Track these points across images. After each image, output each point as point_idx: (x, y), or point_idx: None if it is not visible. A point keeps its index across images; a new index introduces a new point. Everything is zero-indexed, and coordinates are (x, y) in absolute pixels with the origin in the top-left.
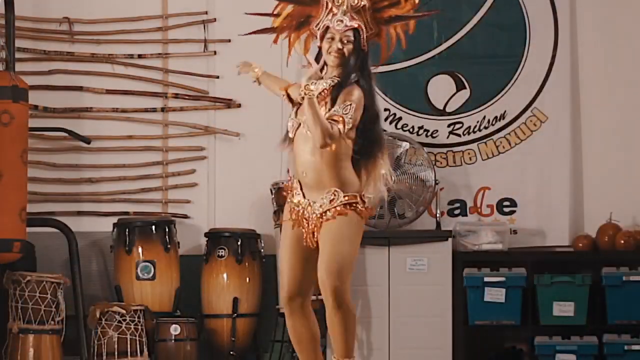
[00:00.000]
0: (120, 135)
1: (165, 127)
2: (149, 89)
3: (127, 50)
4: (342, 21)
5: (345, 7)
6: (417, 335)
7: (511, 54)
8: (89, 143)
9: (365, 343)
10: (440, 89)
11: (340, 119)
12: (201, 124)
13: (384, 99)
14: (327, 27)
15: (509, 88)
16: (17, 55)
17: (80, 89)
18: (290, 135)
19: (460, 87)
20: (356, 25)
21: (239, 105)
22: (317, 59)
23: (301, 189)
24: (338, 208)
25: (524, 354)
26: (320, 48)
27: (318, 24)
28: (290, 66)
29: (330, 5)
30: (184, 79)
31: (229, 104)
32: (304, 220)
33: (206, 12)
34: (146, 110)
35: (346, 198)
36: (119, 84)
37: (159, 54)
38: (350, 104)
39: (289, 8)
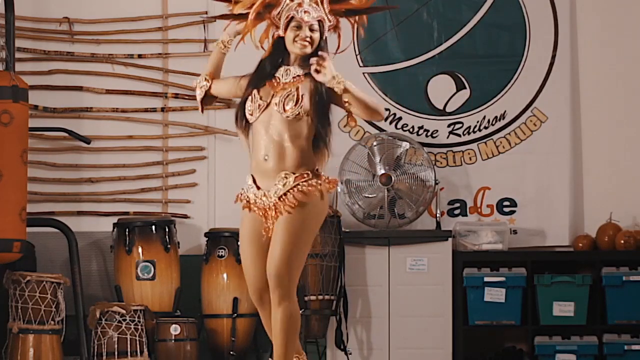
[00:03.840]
0: (120, 135)
1: (165, 127)
2: (149, 89)
3: (127, 50)
4: (309, 12)
5: None
6: (417, 335)
7: (511, 54)
8: (89, 143)
9: (365, 343)
10: (440, 89)
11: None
12: (201, 124)
13: (384, 99)
14: (292, 17)
15: (509, 88)
16: (17, 55)
17: (80, 89)
18: (253, 119)
19: (460, 87)
20: (321, 17)
21: None
22: (276, 47)
23: (254, 182)
24: (294, 193)
25: (524, 354)
26: (280, 37)
27: (279, 12)
28: (238, 52)
29: None
30: (184, 79)
31: (229, 104)
32: (261, 212)
33: (206, 12)
34: (146, 110)
35: (297, 178)
36: (119, 84)
37: (159, 54)
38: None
39: None
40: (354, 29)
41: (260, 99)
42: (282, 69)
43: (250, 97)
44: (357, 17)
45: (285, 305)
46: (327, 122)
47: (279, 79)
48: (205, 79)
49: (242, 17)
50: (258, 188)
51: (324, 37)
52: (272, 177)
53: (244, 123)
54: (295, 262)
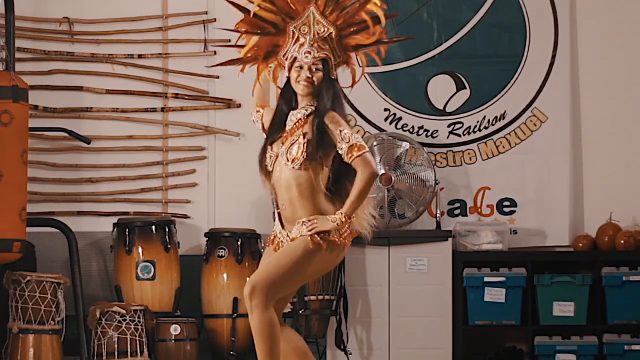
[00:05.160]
0: (120, 135)
1: (165, 127)
2: (149, 89)
3: (127, 50)
4: (310, 52)
5: (311, 36)
6: (417, 335)
7: (511, 54)
8: (89, 143)
9: (365, 343)
10: (440, 89)
11: (356, 147)
12: (201, 124)
13: (384, 99)
14: (295, 58)
15: (509, 88)
16: (17, 55)
17: (80, 89)
18: (269, 168)
19: (460, 87)
20: (324, 56)
21: (239, 105)
22: (285, 87)
23: (280, 219)
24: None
25: (524, 354)
26: (288, 77)
27: (285, 53)
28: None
29: (296, 34)
30: (184, 79)
31: (229, 104)
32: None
33: (206, 12)
34: (146, 110)
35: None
36: (119, 84)
37: (159, 54)
38: (344, 129)
39: (255, 38)
40: (366, 63)
41: (272, 149)
42: (291, 114)
43: (268, 148)
44: (369, 50)
45: (256, 313)
46: (336, 165)
47: (287, 127)
48: (257, 110)
49: (242, 61)
50: (283, 227)
51: (334, 74)
52: (291, 223)
53: (265, 170)
54: (276, 282)
